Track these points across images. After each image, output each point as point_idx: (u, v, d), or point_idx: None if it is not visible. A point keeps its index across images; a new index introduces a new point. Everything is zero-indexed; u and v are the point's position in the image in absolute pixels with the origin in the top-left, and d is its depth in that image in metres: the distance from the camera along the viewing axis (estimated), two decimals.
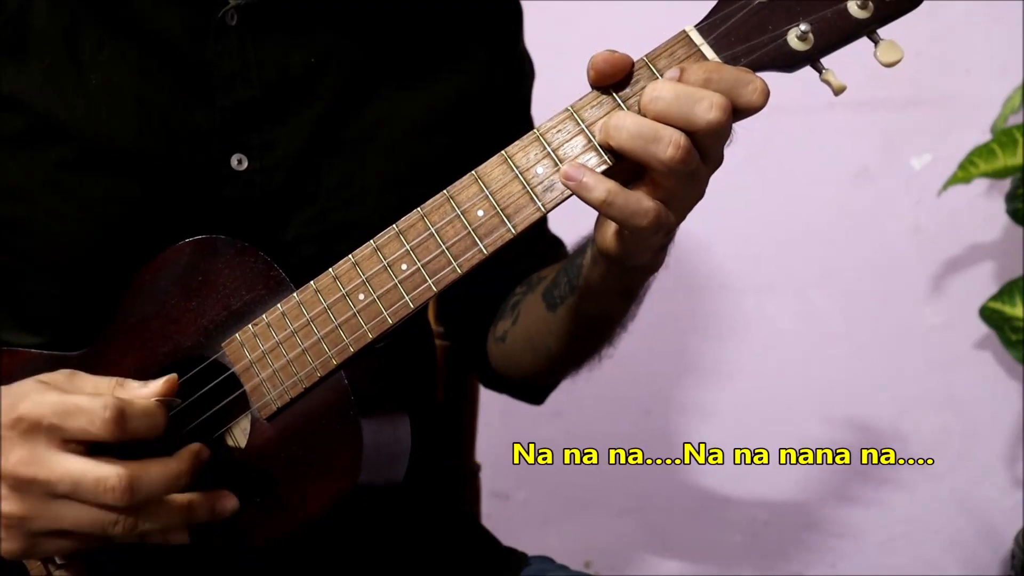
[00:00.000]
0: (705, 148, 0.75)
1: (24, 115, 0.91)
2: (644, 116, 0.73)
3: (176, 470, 0.79)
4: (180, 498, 0.80)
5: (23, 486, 0.76)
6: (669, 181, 0.75)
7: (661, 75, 0.75)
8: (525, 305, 1.06)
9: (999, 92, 1.69)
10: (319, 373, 0.83)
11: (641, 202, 0.75)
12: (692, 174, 0.75)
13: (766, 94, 0.74)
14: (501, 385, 1.18)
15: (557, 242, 1.16)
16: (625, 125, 0.73)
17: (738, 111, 0.74)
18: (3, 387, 0.78)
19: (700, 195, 0.78)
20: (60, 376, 0.80)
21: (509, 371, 1.13)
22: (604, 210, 0.75)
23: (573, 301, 0.97)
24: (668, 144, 0.72)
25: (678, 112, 0.73)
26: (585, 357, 1.06)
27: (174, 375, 0.80)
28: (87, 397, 0.76)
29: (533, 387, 1.16)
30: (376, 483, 0.85)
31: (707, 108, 0.72)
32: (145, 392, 0.79)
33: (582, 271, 0.93)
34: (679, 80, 0.73)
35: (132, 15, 0.92)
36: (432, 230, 0.79)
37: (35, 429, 0.76)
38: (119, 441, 0.76)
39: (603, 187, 0.74)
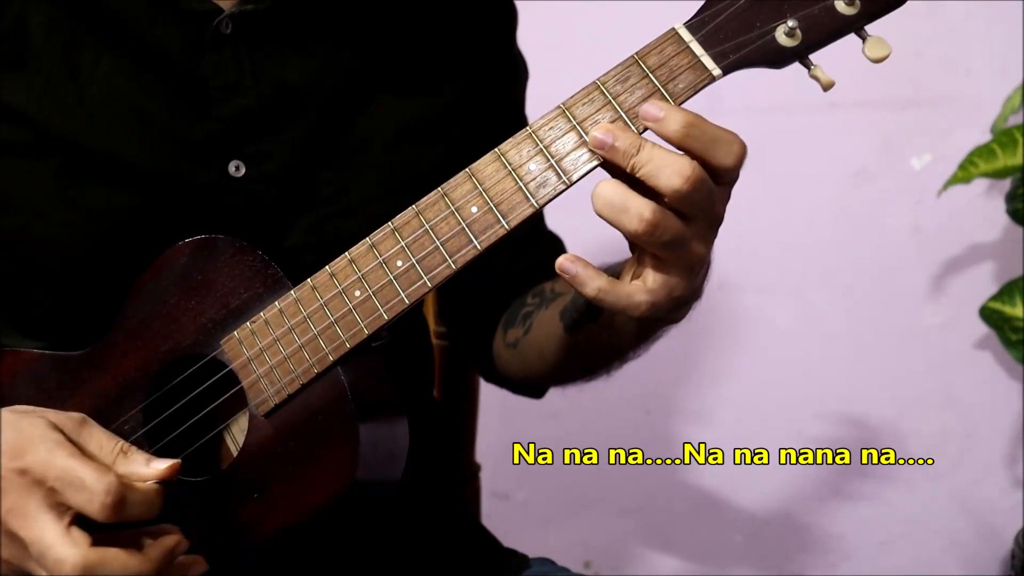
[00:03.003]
0: (682, 212, 0.75)
1: (25, 126, 0.92)
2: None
3: (138, 569, 0.77)
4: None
5: (8, 535, 0.76)
6: (650, 248, 0.76)
7: (651, 72, 0.76)
8: (539, 319, 1.06)
9: (999, 92, 1.69)
10: (316, 369, 0.83)
11: (632, 297, 0.77)
12: (672, 242, 0.75)
13: (742, 158, 0.75)
14: (504, 383, 1.19)
15: (555, 239, 1.16)
16: (602, 193, 0.74)
17: (713, 170, 0.75)
18: (12, 415, 0.78)
19: (698, 256, 0.78)
20: (70, 422, 0.78)
21: (516, 374, 1.14)
22: (597, 303, 0.78)
23: (590, 329, 0.98)
24: (633, 217, 0.74)
25: (652, 174, 0.74)
26: (595, 375, 1.07)
27: (178, 461, 0.79)
28: (94, 473, 0.75)
29: (537, 387, 1.17)
30: (374, 480, 0.85)
31: (669, 176, 0.73)
32: (148, 472, 0.78)
33: None
34: (660, 120, 0.74)
35: (128, 29, 0.93)
36: (427, 227, 0.80)
37: (36, 485, 0.75)
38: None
39: (594, 285, 0.77)
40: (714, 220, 0.78)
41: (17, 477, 0.75)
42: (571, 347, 1.01)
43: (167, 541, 0.79)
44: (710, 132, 0.74)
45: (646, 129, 0.76)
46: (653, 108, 0.75)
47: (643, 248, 0.77)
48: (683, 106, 0.76)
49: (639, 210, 0.73)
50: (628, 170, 0.75)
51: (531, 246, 1.11)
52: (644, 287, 0.78)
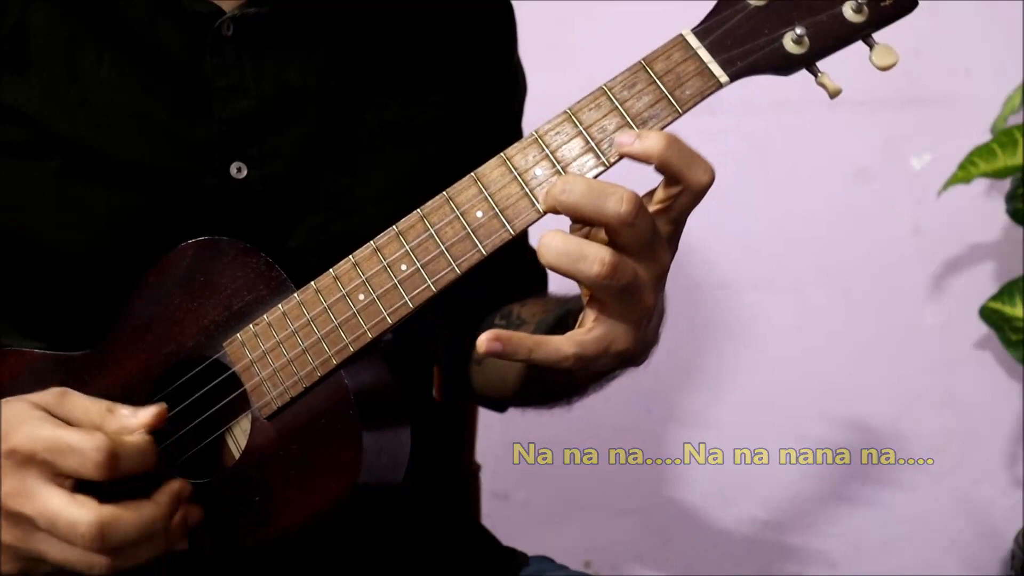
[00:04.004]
0: (633, 250, 0.74)
1: (27, 126, 0.92)
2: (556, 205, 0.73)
3: (152, 515, 0.78)
4: (156, 531, 0.79)
5: (11, 517, 0.77)
6: (606, 295, 0.75)
7: (658, 79, 0.76)
8: None
9: (999, 92, 1.69)
10: (319, 372, 0.83)
11: (560, 350, 0.75)
12: (628, 286, 0.74)
13: (711, 179, 0.74)
14: (468, 395, 1.19)
15: (541, 276, 1.16)
16: (553, 244, 0.73)
17: (687, 190, 0.74)
18: None
19: (648, 306, 0.77)
20: (51, 396, 0.80)
21: (479, 390, 1.14)
22: (531, 363, 0.76)
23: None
24: (593, 262, 0.72)
25: (591, 206, 0.72)
26: (554, 406, 1.07)
27: (163, 405, 0.80)
28: (80, 435, 0.76)
29: (499, 405, 1.17)
30: (376, 484, 0.85)
31: (616, 201, 0.72)
32: (135, 422, 0.79)
33: None
34: (635, 141, 0.73)
35: (130, 30, 0.93)
36: (432, 231, 0.79)
37: (28, 462, 0.76)
38: (110, 480, 0.77)
39: (524, 348, 0.75)
40: (662, 263, 0.77)
41: (6, 460, 0.76)
42: (529, 378, 1.02)
43: (172, 486, 0.80)
44: (689, 152, 0.74)
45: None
46: (627, 137, 0.74)
47: (598, 298, 0.76)
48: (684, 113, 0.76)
49: (598, 254, 0.72)
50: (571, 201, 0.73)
51: (514, 261, 1.11)
52: (573, 340, 0.76)
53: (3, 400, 0.80)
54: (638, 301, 0.76)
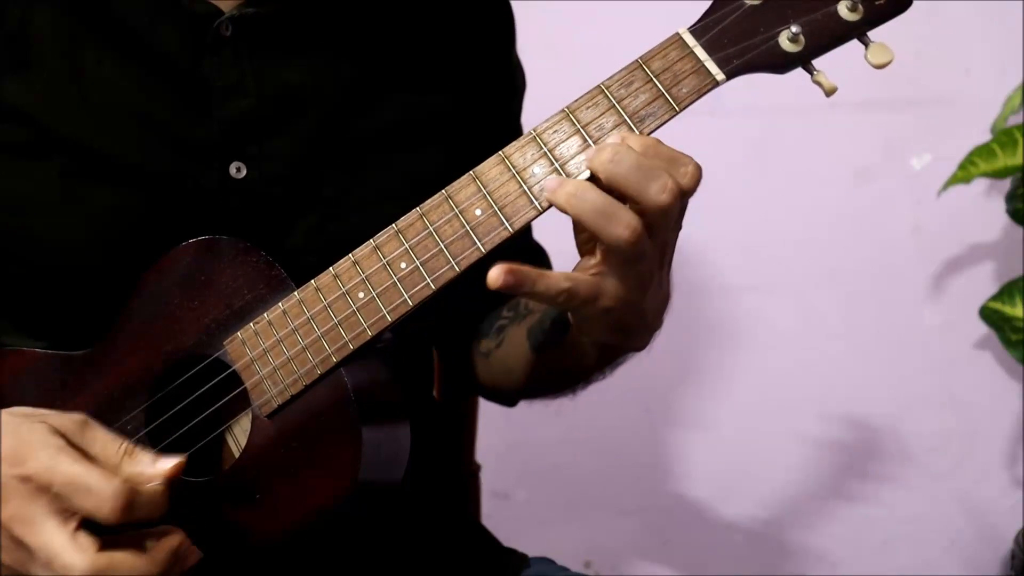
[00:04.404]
0: (654, 229, 0.76)
1: (29, 126, 0.92)
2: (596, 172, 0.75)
3: (147, 570, 0.77)
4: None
5: (13, 541, 0.76)
6: (617, 259, 0.76)
7: (655, 77, 0.76)
8: (510, 334, 1.07)
9: (999, 92, 1.69)
10: (319, 370, 0.83)
11: (559, 283, 0.76)
12: (639, 255, 0.76)
13: (698, 178, 0.75)
14: (476, 389, 1.19)
15: (540, 251, 1.17)
16: (588, 197, 0.74)
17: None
18: (12, 419, 0.78)
19: (645, 280, 0.79)
20: (71, 424, 0.78)
21: (486, 383, 1.14)
22: (532, 298, 0.78)
23: (554, 350, 0.99)
24: (622, 226, 0.73)
25: (636, 184, 0.74)
26: (559, 395, 1.08)
27: (184, 457, 0.78)
28: (100, 478, 0.75)
29: (507, 398, 1.17)
30: (376, 482, 0.85)
31: (659, 189, 0.73)
32: (153, 472, 0.77)
33: (569, 327, 0.94)
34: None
35: (130, 30, 0.93)
36: (431, 229, 0.80)
37: (41, 492, 0.75)
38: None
39: (529, 280, 0.75)
40: (665, 247, 0.79)
41: (20, 484, 0.75)
42: (536, 367, 1.02)
43: (171, 541, 0.79)
44: (667, 152, 0.75)
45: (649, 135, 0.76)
46: (615, 136, 0.76)
47: (606, 254, 0.77)
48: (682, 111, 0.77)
49: (630, 221, 0.73)
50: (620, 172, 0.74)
51: (516, 257, 1.11)
52: (569, 275, 0.77)
53: (20, 415, 0.79)
54: (641, 271, 0.77)
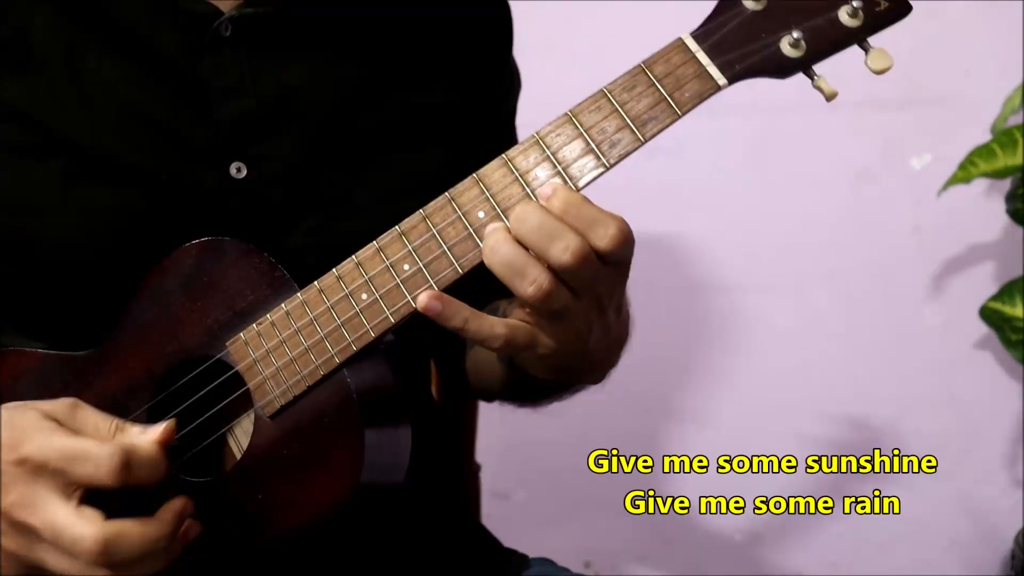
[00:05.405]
0: (573, 286, 0.76)
1: (29, 127, 0.92)
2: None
3: (155, 534, 0.77)
4: (158, 549, 0.79)
5: (16, 526, 0.76)
6: (534, 313, 0.78)
7: (658, 81, 0.77)
8: None
9: (999, 92, 1.69)
10: (322, 371, 0.83)
11: (493, 328, 0.78)
12: (559, 312, 0.77)
13: (619, 241, 0.75)
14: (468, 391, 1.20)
15: None
16: (500, 251, 0.75)
17: (598, 253, 0.75)
18: (5, 411, 0.78)
19: (580, 332, 0.80)
20: (61, 407, 0.79)
21: (471, 381, 1.15)
22: (463, 334, 0.78)
23: (509, 367, 0.99)
24: (529, 284, 0.75)
25: (537, 243, 0.75)
26: (522, 406, 1.09)
27: (173, 421, 0.80)
28: (93, 443, 0.76)
29: (486, 399, 1.18)
30: (378, 484, 0.85)
31: (562, 249, 0.74)
32: (145, 439, 0.78)
33: None
34: (547, 197, 0.76)
35: (130, 31, 0.93)
36: (434, 231, 0.80)
37: (40, 471, 0.75)
38: (122, 488, 0.76)
39: (460, 316, 0.77)
40: (599, 300, 0.79)
41: (17, 468, 0.76)
42: (500, 376, 1.03)
43: (175, 504, 0.80)
44: (589, 214, 0.75)
45: (644, 142, 0.77)
46: (546, 188, 0.76)
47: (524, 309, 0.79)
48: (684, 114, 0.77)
49: (537, 278, 0.75)
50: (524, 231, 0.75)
51: None
52: (506, 323, 0.79)
53: (13, 406, 0.79)
54: (568, 326, 0.79)
